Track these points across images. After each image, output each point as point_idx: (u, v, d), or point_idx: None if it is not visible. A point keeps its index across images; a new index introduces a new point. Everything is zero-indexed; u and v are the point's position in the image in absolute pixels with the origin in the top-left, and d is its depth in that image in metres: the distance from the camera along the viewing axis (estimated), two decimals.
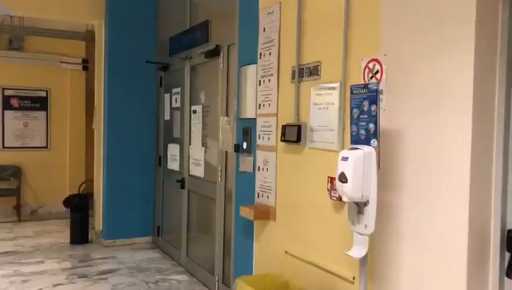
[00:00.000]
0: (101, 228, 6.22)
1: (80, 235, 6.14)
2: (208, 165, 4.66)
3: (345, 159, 2.19)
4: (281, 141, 3.19)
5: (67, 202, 6.12)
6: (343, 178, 2.19)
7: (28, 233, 6.77)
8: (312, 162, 2.97)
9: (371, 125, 2.20)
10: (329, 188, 2.77)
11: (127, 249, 5.90)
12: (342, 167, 2.20)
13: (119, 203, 6.02)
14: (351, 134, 2.34)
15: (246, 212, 3.50)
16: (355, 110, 2.30)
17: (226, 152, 4.22)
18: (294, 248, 3.14)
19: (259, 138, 3.57)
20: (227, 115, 4.19)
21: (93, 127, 6.41)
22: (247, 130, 3.74)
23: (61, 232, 6.69)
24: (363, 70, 2.54)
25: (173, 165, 5.57)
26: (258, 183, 3.59)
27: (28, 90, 8.21)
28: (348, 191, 2.17)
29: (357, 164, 2.15)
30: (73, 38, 8.34)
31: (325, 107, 2.85)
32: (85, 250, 5.87)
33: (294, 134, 3.04)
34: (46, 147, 8.39)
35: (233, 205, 3.96)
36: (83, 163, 8.57)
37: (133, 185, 6.10)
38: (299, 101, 3.09)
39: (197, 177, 4.86)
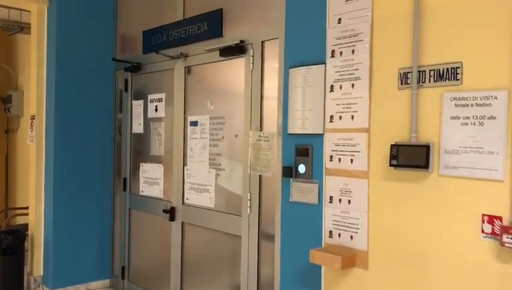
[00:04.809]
0: (41, 274, 4.80)
1: (13, 284, 4.65)
2: (222, 193, 3.67)
3: None
4: (390, 165, 2.41)
5: None
6: None
7: None
8: (446, 194, 2.24)
9: None
10: (494, 231, 2.06)
11: None
12: None
13: (69, 240, 4.67)
14: None
15: (325, 258, 2.64)
16: None
17: (260, 176, 3.31)
18: None
19: (330, 160, 2.76)
20: (261, 129, 3.29)
21: (28, 142, 4.95)
22: (305, 150, 2.90)
23: None
24: None
25: (151, 190, 4.43)
26: (329, 218, 2.77)
27: None
28: None
29: None
30: None
31: (476, 122, 2.15)
32: None
33: (420, 157, 2.28)
34: None
35: (276, 245, 3.07)
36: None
37: (85, 214, 4.79)
38: (417, 114, 2.36)
39: (201, 207, 3.83)
